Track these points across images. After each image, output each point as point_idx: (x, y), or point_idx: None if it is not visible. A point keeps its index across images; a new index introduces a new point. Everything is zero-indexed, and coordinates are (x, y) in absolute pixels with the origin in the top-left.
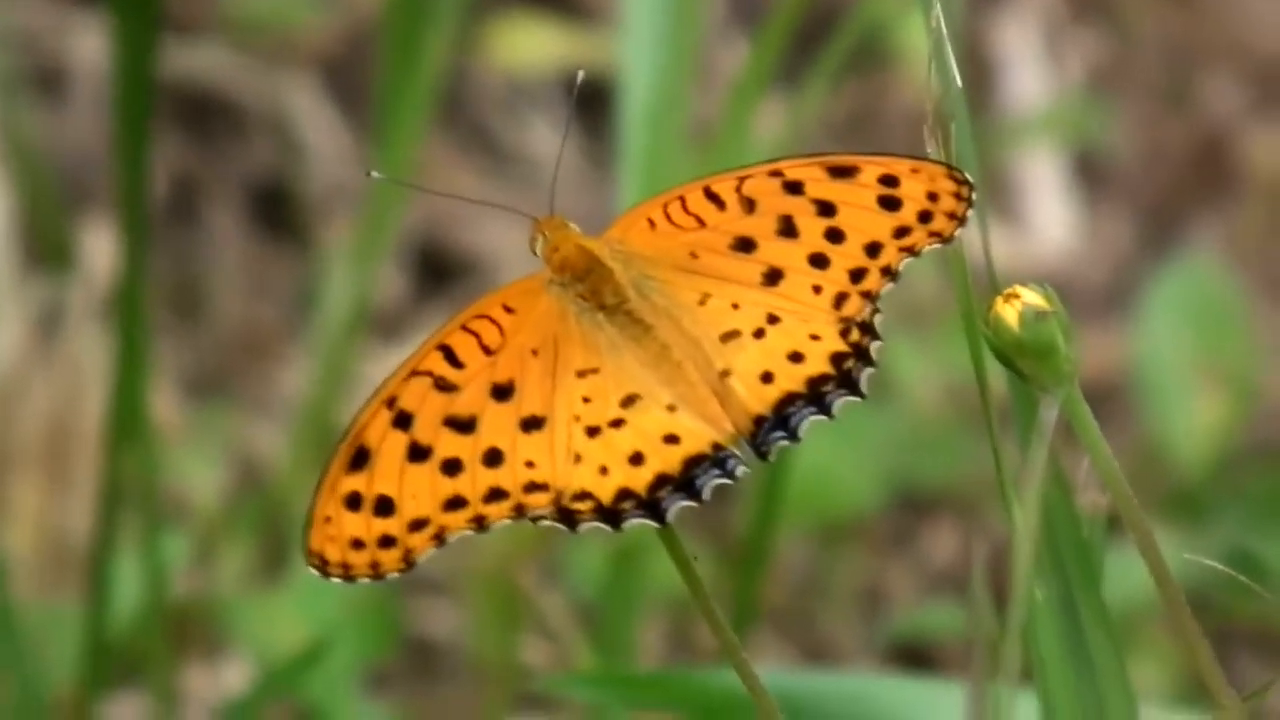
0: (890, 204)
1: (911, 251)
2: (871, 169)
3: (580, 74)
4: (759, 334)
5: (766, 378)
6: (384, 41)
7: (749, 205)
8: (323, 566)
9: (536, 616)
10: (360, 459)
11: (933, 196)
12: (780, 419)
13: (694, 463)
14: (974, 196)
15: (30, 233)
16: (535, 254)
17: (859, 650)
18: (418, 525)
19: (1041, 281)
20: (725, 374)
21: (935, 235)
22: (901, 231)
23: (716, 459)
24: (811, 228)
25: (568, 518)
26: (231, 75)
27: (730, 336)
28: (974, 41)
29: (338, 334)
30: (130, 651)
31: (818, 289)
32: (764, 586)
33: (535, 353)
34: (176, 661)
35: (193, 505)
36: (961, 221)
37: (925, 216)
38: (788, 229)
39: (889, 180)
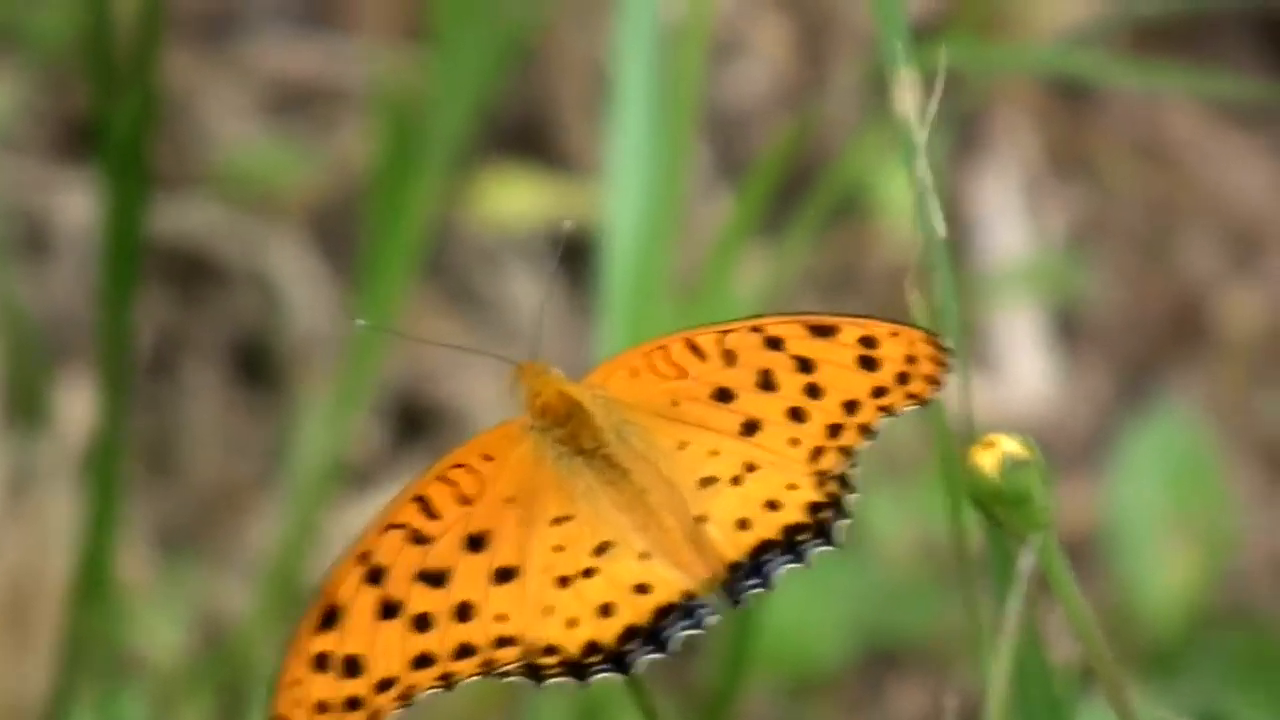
0: (869, 364)
1: (889, 411)
2: (851, 329)
3: (568, 224)
4: (736, 481)
5: (743, 524)
6: (370, 195)
7: (730, 358)
8: None
9: None
10: (330, 618)
11: (911, 359)
12: (755, 566)
13: (664, 613)
14: (951, 362)
15: (7, 389)
16: (516, 398)
17: None
18: (385, 685)
19: (1020, 431)
20: (701, 519)
21: (913, 397)
22: (879, 391)
23: (686, 609)
24: (791, 383)
25: (534, 672)
26: (215, 229)
27: (708, 482)
28: (954, 195)
29: (310, 487)
30: None
31: (795, 441)
32: None
33: (512, 501)
34: None
35: (154, 662)
36: (939, 386)
37: (903, 378)
38: (767, 383)
39: (868, 341)
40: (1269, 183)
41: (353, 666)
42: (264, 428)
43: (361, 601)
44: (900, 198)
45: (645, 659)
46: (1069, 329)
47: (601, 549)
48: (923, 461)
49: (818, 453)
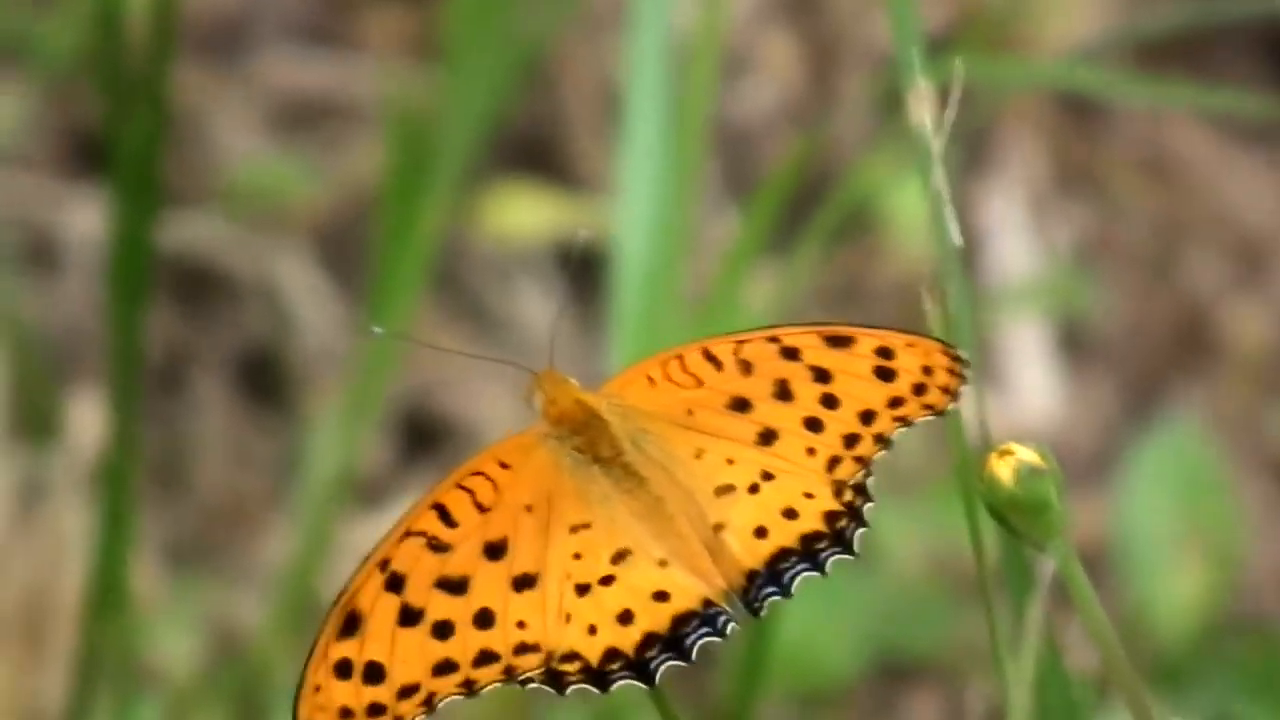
0: (885, 375)
1: (905, 421)
2: (868, 340)
3: (583, 233)
4: (754, 489)
5: (760, 532)
6: (379, 210)
7: (746, 368)
8: None
9: None
10: (351, 624)
11: (927, 370)
12: (773, 574)
13: (683, 620)
14: (967, 373)
15: (16, 403)
16: (531, 407)
17: None
18: (407, 692)
19: (1034, 441)
20: (719, 528)
21: (929, 408)
22: (896, 402)
23: (706, 616)
24: (807, 393)
25: (555, 679)
26: (224, 244)
27: (725, 490)
28: (960, 210)
29: (321, 501)
30: None
31: (811, 451)
32: None
33: (529, 509)
34: None
35: (169, 675)
36: (955, 397)
37: (919, 389)
38: (784, 393)
39: (884, 352)
40: (1274, 198)
41: (374, 673)
42: (273, 442)
43: (382, 609)
44: (908, 212)
45: (666, 666)
46: (1075, 344)
47: (619, 557)
48: (932, 475)
49: (834, 462)
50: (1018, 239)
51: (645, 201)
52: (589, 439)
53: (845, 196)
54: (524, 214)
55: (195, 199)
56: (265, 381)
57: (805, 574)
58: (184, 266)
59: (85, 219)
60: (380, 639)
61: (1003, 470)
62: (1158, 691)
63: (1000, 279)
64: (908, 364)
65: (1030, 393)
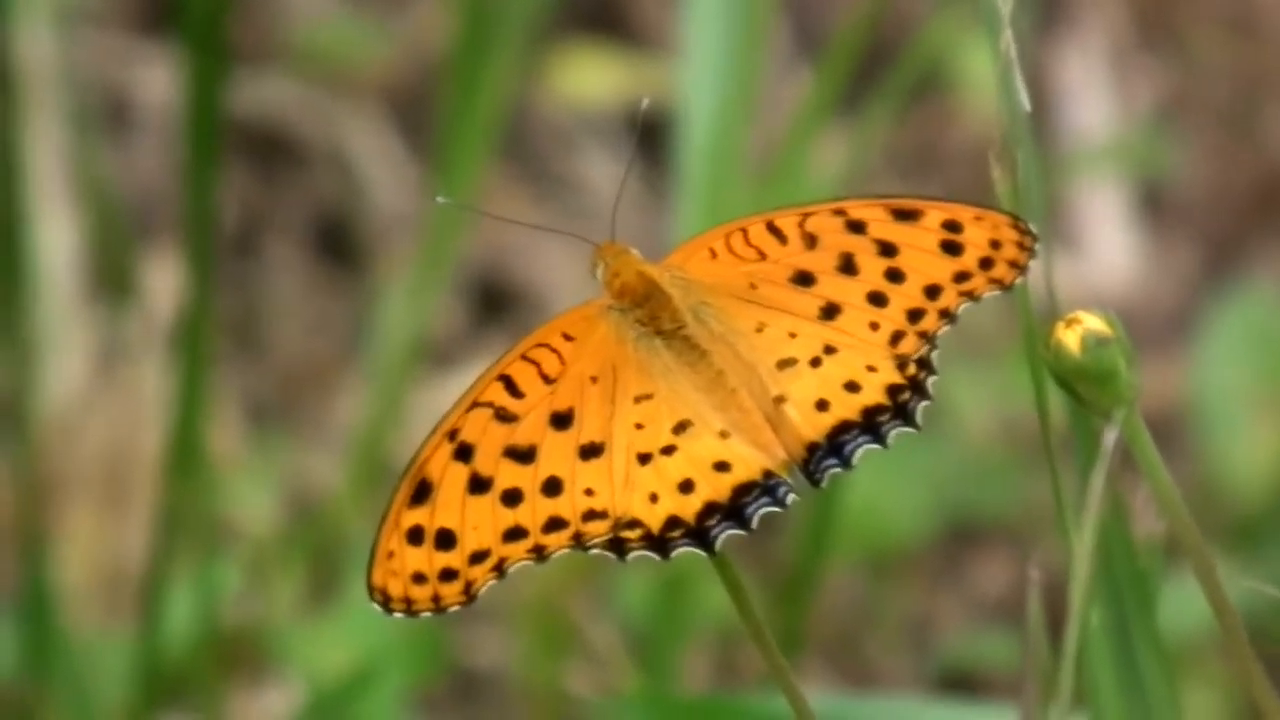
0: (952, 249)
1: (971, 296)
2: (935, 213)
3: (645, 102)
4: (815, 363)
5: (822, 405)
6: (447, 74)
7: (811, 241)
8: (385, 602)
9: (584, 644)
10: (422, 493)
11: (995, 244)
12: (834, 446)
13: (744, 490)
14: (1036, 247)
15: (95, 264)
16: (595, 279)
17: (907, 680)
18: (479, 557)
19: (1103, 308)
20: (780, 400)
21: (996, 282)
22: (962, 276)
23: (767, 487)
24: (872, 267)
25: (617, 546)
26: (294, 107)
27: (786, 364)
28: (1036, 69)
29: (394, 364)
30: (182, 676)
31: (875, 326)
32: (812, 617)
33: (594, 380)
34: (227, 687)
35: (247, 533)
36: (1023, 271)
37: (986, 263)
38: (848, 266)
39: (952, 226)
40: None
41: (446, 540)
42: (346, 305)
43: (451, 477)
44: (982, 72)
45: (726, 534)
46: (1154, 205)
47: (681, 427)
48: (1003, 340)
49: (897, 337)
50: (1095, 98)
51: (712, 63)
52: (651, 311)
53: (916, 57)
54: (591, 77)
55: (265, 60)
56: (338, 245)
57: (866, 446)
58: (256, 130)
59: (159, 79)
60: (450, 507)
61: (1069, 339)
62: (1230, 555)
63: (1077, 140)
64: (975, 238)
65: (1108, 255)
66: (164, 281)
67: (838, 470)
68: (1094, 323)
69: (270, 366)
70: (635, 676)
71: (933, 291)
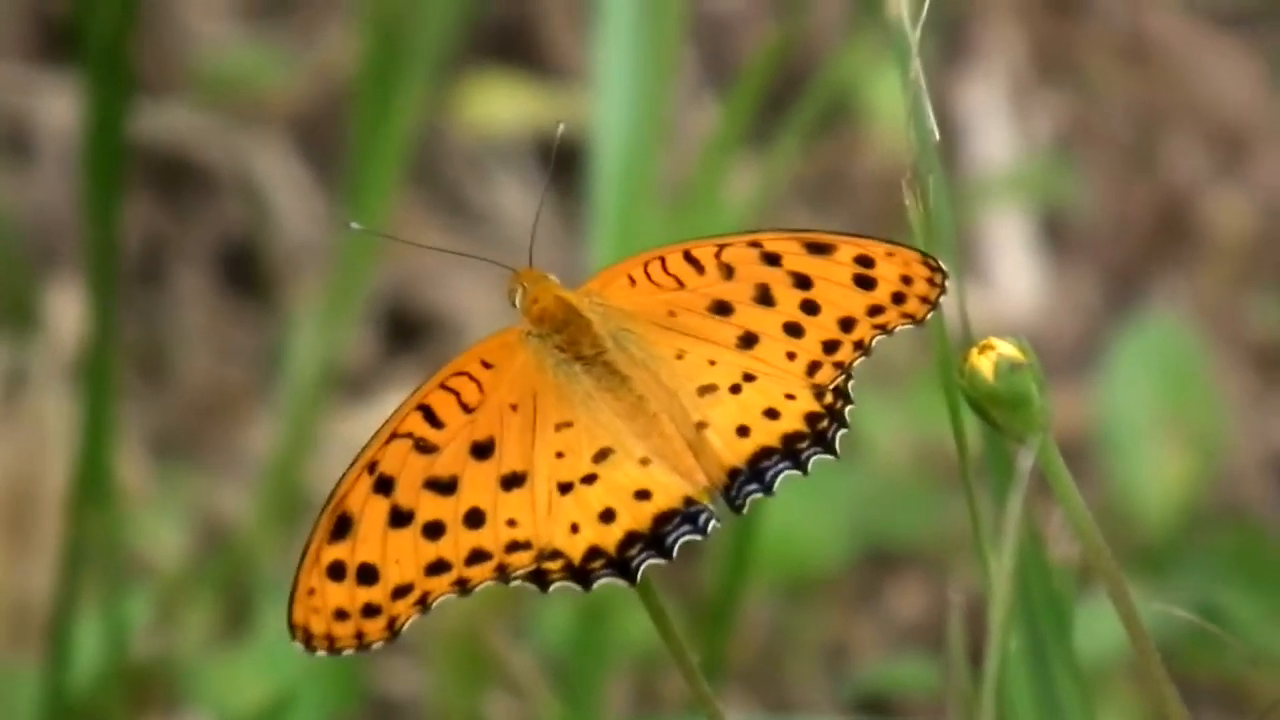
0: (865, 283)
1: (884, 329)
2: (848, 248)
3: (561, 127)
4: (735, 390)
5: (743, 431)
6: (356, 100)
7: (728, 271)
8: (307, 640)
9: (503, 673)
10: (343, 527)
11: (907, 280)
12: (755, 472)
13: (665, 519)
14: (946, 283)
15: None
16: (513, 305)
17: (824, 704)
18: (401, 592)
19: (1014, 335)
20: (701, 426)
21: (907, 316)
22: (875, 310)
23: (687, 514)
24: (788, 298)
25: (539, 578)
26: (199, 135)
27: (707, 390)
28: (940, 101)
29: (304, 393)
30: (90, 711)
31: (792, 355)
32: (731, 643)
33: (514, 408)
34: None
35: (156, 565)
36: (934, 306)
37: (899, 298)
38: (764, 297)
39: (864, 261)
40: (1254, 84)
41: (368, 575)
42: (255, 334)
43: (372, 511)
44: (888, 103)
45: (647, 564)
46: (1056, 235)
47: (601, 455)
48: (916, 367)
49: (814, 367)
50: (998, 129)
51: (622, 92)
52: (570, 337)
53: (824, 88)
54: (501, 105)
55: (170, 87)
56: (245, 274)
57: (787, 472)
58: (160, 158)
59: (59, 107)
60: (371, 541)
61: (983, 365)
62: (1139, 579)
63: (981, 170)
64: (887, 273)
65: (1011, 284)
66: (67, 311)
67: (759, 495)
68: (1007, 349)
69: (178, 397)
70: (555, 706)
71: (847, 324)
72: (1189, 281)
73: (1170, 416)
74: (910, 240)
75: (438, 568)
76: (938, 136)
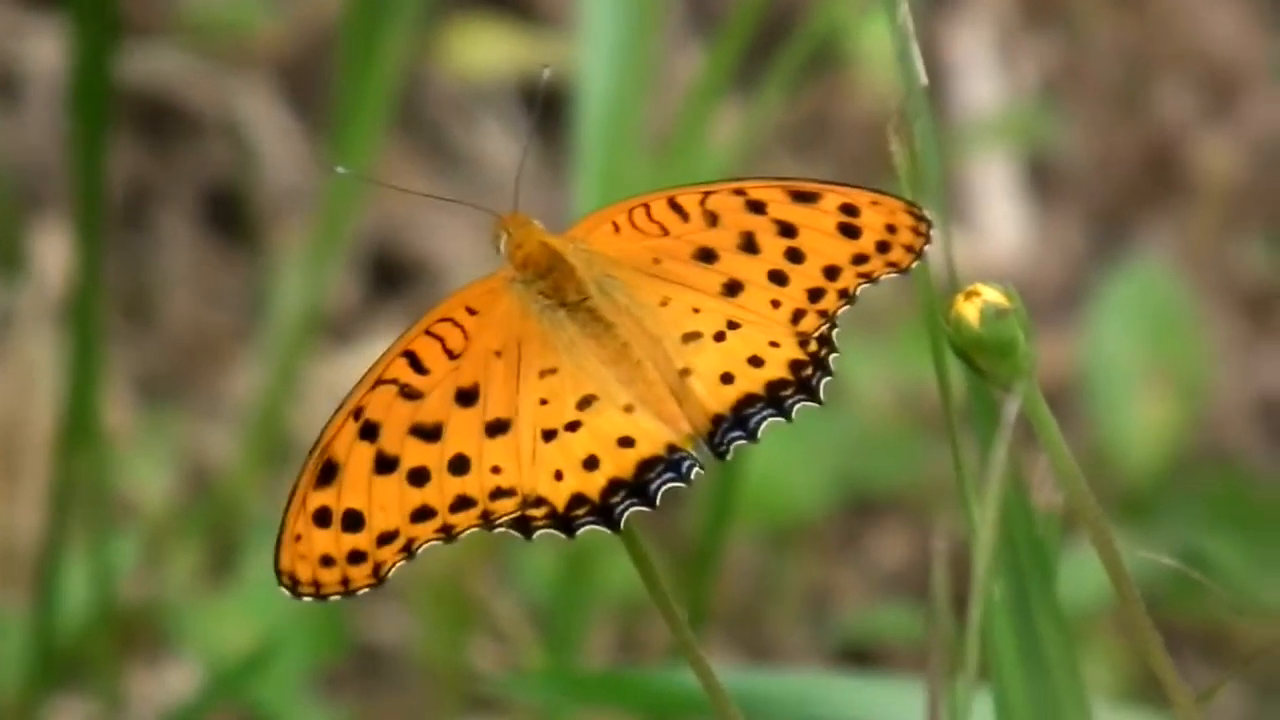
0: (850, 232)
1: (869, 278)
2: (833, 197)
3: (547, 72)
4: (719, 337)
5: (726, 378)
6: (341, 45)
7: (712, 219)
8: (294, 586)
9: (487, 620)
10: (328, 474)
11: (891, 229)
12: (739, 419)
13: (648, 466)
14: (931, 232)
15: None
16: (498, 250)
17: (806, 652)
18: (387, 538)
19: (1000, 280)
20: (685, 373)
21: (892, 265)
22: (859, 259)
23: (671, 461)
24: (772, 246)
25: (523, 525)
26: (185, 79)
27: (691, 337)
28: (927, 46)
29: (289, 338)
30: (77, 654)
31: (776, 303)
32: (714, 590)
33: (498, 354)
34: (123, 664)
35: (142, 508)
36: (918, 256)
37: (883, 247)
38: (749, 245)
39: (849, 209)
40: (1242, 26)
41: (353, 521)
42: (240, 277)
43: (357, 457)
44: (874, 49)
45: (630, 511)
46: (1043, 180)
47: (585, 402)
48: (898, 314)
49: (798, 315)
50: (985, 74)
51: (607, 37)
52: (555, 283)
53: (811, 33)
54: (486, 50)
55: (157, 31)
56: (231, 217)
57: (771, 419)
58: (147, 101)
59: (46, 50)
60: (357, 487)
61: (969, 311)
62: (1123, 525)
63: (968, 115)
64: (872, 222)
65: (998, 229)
66: (54, 254)
67: (743, 442)
68: (993, 295)
69: (163, 340)
70: (539, 652)
71: (831, 272)
72: (1176, 226)
73: (1156, 362)
74: (896, 185)
75: (423, 514)
76: (925, 81)
